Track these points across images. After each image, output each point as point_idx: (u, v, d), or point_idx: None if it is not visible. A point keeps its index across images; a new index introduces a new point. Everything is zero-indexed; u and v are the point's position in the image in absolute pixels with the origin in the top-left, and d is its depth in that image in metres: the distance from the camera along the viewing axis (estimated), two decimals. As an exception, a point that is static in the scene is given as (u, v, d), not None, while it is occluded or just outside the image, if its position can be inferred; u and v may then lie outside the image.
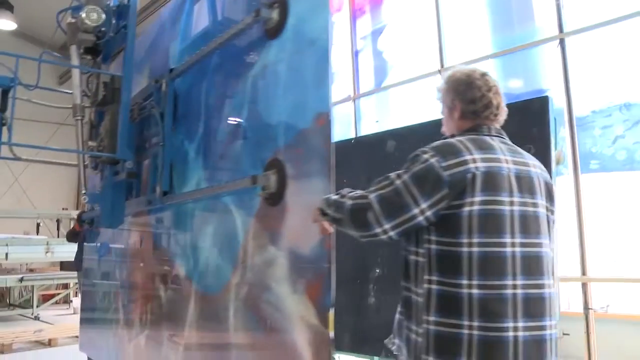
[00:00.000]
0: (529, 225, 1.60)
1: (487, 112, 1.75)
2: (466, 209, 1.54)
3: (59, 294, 9.81)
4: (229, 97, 2.69)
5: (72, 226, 5.37)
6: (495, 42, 5.92)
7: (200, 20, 3.31)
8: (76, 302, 9.31)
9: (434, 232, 1.59)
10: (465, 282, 1.52)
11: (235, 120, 2.61)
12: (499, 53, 5.83)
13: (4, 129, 3.05)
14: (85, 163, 3.51)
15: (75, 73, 3.26)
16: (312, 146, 2.09)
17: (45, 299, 9.55)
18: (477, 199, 1.55)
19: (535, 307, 1.56)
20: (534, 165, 1.72)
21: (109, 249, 4.11)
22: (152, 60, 3.73)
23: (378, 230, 1.60)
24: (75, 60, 3.25)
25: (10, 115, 2.85)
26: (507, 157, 1.65)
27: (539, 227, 1.64)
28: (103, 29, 3.19)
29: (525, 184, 1.64)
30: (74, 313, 9.12)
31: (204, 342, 2.72)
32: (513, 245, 1.56)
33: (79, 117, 3.22)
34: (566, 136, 4.78)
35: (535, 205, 1.64)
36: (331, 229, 1.93)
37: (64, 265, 9.94)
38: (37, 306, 8.55)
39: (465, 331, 1.50)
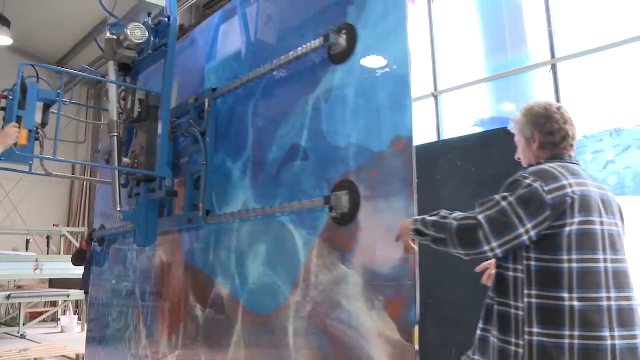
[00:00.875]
0: (615, 243, 1.77)
1: (564, 143, 1.92)
2: (567, 229, 1.69)
3: (47, 311, 9.53)
4: (284, 118, 2.74)
5: (78, 247, 5.16)
6: (489, 67, 6.17)
7: (233, 41, 3.36)
8: (64, 320, 9.02)
9: (534, 250, 1.71)
10: (566, 295, 1.65)
11: (293, 142, 2.66)
12: (492, 77, 6.04)
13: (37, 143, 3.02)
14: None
15: (112, 89, 3.24)
16: (390, 168, 2.17)
17: (33, 317, 9.28)
18: (576, 219, 1.70)
19: (628, 317, 1.70)
20: (607, 189, 1.88)
21: (129, 268, 4.03)
22: (179, 78, 3.73)
23: (486, 248, 1.70)
24: (113, 76, 3.24)
25: (56, 130, 2.80)
26: (591, 182, 1.81)
27: (622, 244, 1.80)
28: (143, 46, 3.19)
29: (608, 206, 1.80)
30: (62, 332, 8.81)
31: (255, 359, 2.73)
32: (605, 261, 1.71)
33: (115, 134, 3.18)
34: None
35: (616, 225, 1.81)
36: (415, 247, 2.02)
37: (53, 283, 9.63)
38: (23, 324, 8.22)
39: (567, 341, 1.62)
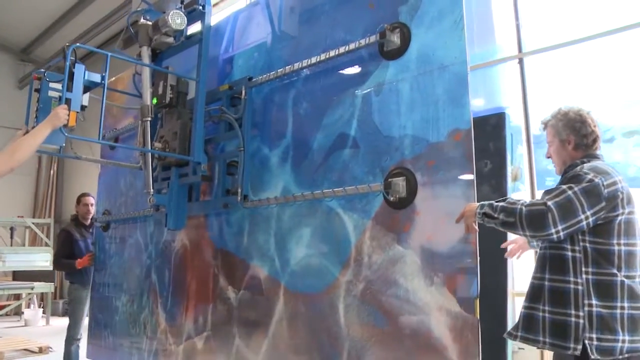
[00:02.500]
0: (638, 229, 2.12)
1: (595, 144, 2.27)
2: (618, 218, 2.03)
3: (9, 305, 9.18)
4: (330, 109, 2.89)
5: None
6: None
7: (265, 32, 3.46)
8: (28, 313, 8.68)
9: (589, 234, 2.03)
10: (616, 272, 1.98)
11: (341, 131, 2.82)
12: (460, 70, 6.19)
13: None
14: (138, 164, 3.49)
15: (146, 75, 3.26)
16: (449, 157, 2.39)
17: (-5, 310, 8.90)
18: (625, 210, 2.05)
19: None
20: None
21: (143, 252, 4.04)
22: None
23: (552, 230, 1.97)
24: (147, 61, 3.26)
25: (101, 113, 2.82)
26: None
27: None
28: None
29: (633, 197, 2.14)
30: (26, 325, 8.49)
31: (300, 336, 2.87)
32: (638, 245, 2.08)
33: (149, 119, 3.22)
34: (523, 153, 5.29)
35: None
36: (476, 228, 2.26)
37: (16, 275, 9.22)
38: (-16, 318, 7.86)
39: (618, 311, 1.96)
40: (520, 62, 5.10)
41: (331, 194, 2.74)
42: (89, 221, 4.95)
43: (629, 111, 4.18)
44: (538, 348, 2.11)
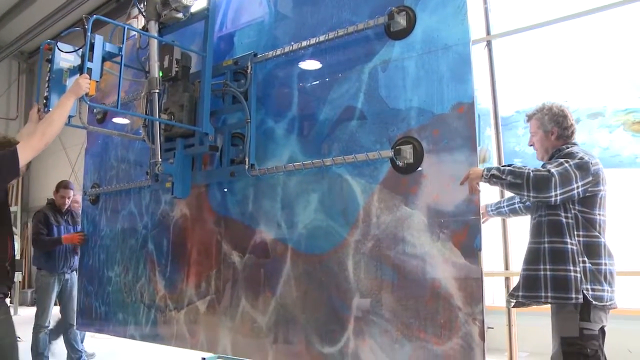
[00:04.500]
0: None
1: (573, 135, 2.68)
2: (600, 193, 2.46)
3: None
4: (337, 83, 3.13)
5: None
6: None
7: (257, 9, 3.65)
8: None
9: (578, 204, 2.44)
10: (599, 235, 2.44)
11: (348, 104, 3.06)
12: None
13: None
14: (142, 135, 3.59)
15: (154, 48, 3.36)
16: (453, 127, 2.69)
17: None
18: (604, 187, 2.48)
19: None
20: None
21: (137, 223, 4.13)
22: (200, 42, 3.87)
23: (552, 193, 2.34)
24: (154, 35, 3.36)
25: (119, 83, 2.93)
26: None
27: None
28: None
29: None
30: None
31: (308, 293, 3.11)
32: (606, 216, 2.51)
33: (157, 91, 3.33)
34: (492, 135, 5.31)
35: None
36: (479, 189, 2.58)
37: None
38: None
39: (602, 267, 2.41)
40: (489, 44, 5.28)
41: (341, 160, 2.98)
42: (64, 209, 4.97)
43: (593, 93, 4.61)
44: (539, 303, 2.47)
